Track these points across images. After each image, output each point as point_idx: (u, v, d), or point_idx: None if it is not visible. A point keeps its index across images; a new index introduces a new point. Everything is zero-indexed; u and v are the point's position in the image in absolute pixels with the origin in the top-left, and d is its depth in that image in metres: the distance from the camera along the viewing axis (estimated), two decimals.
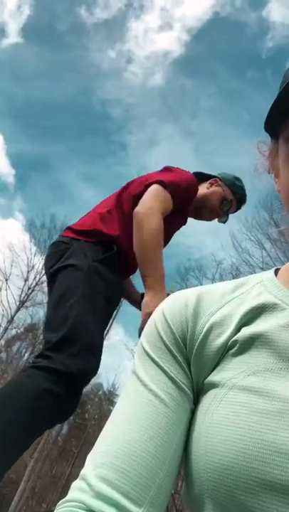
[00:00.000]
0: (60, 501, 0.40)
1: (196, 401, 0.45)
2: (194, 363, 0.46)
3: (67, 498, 0.39)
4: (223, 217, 1.85)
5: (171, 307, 0.50)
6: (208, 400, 0.42)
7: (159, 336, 0.48)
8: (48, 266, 1.61)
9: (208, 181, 1.82)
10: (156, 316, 0.51)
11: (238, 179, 1.86)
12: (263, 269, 10.92)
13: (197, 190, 1.71)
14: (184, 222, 1.80)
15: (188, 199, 1.66)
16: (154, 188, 1.53)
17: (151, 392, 0.44)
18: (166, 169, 1.70)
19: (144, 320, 1.42)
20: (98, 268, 1.51)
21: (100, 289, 1.48)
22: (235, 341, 0.44)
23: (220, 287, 0.52)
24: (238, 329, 0.45)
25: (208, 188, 1.80)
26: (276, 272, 0.53)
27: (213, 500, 0.37)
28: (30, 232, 20.41)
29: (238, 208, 1.89)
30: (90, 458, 0.42)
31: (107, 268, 1.53)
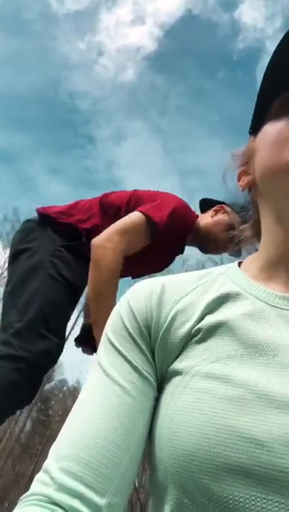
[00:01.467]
0: (23, 495, 0.39)
1: (159, 389, 0.45)
2: (158, 352, 0.46)
3: (30, 491, 0.39)
4: (235, 251, 1.43)
5: (136, 296, 0.50)
6: (171, 388, 0.43)
7: (124, 325, 0.48)
8: (13, 242, 1.58)
9: (213, 209, 1.60)
10: (121, 304, 0.51)
11: (242, 206, 1.52)
12: None
13: (189, 219, 1.51)
14: (179, 252, 1.58)
15: (178, 233, 1.46)
16: (134, 218, 1.36)
17: (114, 381, 0.44)
18: (160, 198, 1.46)
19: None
20: (63, 253, 1.48)
21: (64, 274, 1.45)
22: (199, 329, 0.45)
23: (184, 277, 0.52)
24: (201, 317, 0.46)
25: (212, 217, 1.57)
26: (239, 264, 0.55)
27: (176, 485, 0.38)
28: None
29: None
30: (53, 450, 0.42)
31: (72, 255, 1.50)
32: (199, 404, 0.39)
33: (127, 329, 0.48)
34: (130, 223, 1.34)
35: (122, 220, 1.36)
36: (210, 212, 1.60)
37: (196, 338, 0.45)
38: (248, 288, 0.48)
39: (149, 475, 0.43)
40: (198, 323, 0.45)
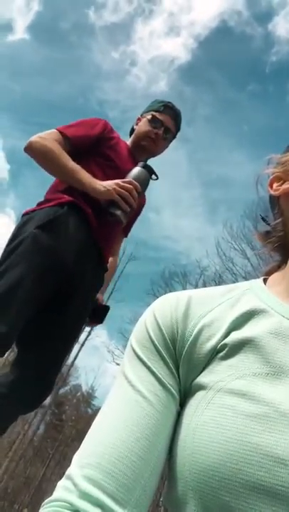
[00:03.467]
0: (46, 500, 0.40)
1: (182, 403, 0.45)
2: (183, 365, 0.46)
3: (52, 497, 0.40)
4: (165, 138, 1.80)
5: (162, 308, 0.50)
6: (195, 402, 0.43)
7: (149, 337, 0.48)
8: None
9: (133, 125, 1.87)
10: (146, 316, 0.51)
11: (154, 101, 1.87)
12: (245, 278, 11.01)
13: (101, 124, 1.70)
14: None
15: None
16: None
17: (138, 393, 0.44)
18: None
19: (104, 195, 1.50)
20: (36, 235, 1.41)
21: (31, 258, 1.38)
22: (225, 345, 0.45)
23: (209, 291, 0.53)
24: (227, 333, 0.46)
25: (135, 129, 1.85)
26: (265, 281, 0.55)
27: (196, 500, 0.37)
28: None
29: (173, 116, 1.83)
30: (77, 457, 0.42)
31: (48, 234, 1.43)
32: (223, 420, 0.39)
33: (152, 341, 0.48)
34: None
35: None
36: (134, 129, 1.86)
37: (222, 353, 0.45)
38: (274, 305, 0.48)
39: (167, 490, 0.43)
40: (224, 339, 0.45)
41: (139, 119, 1.86)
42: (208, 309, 0.49)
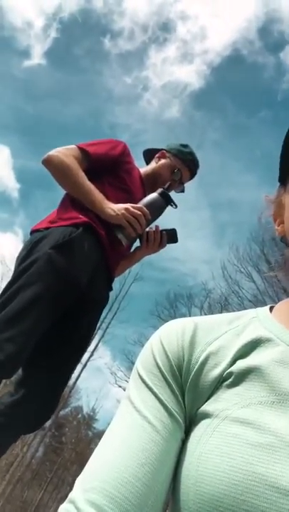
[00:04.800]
0: None
1: (187, 431, 0.45)
2: (188, 393, 0.46)
3: None
4: (178, 188, 1.83)
5: (168, 335, 0.50)
6: (200, 430, 0.43)
7: (155, 363, 0.48)
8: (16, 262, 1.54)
9: (156, 156, 1.84)
10: (153, 342, 0.51)
11: (184, 146, 1.84)
12: (251, 301, 10.95)
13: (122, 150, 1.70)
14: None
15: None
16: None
17: (144, 418, 0.44)
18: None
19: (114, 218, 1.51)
20: (51, 256, 1.40)
21: (46, 279, 1.38)
22: (230, 373, 0.45)
23: (216, 319, 0.53)
24: (233, 361, 0.46)
25: (156, 163, 1.82)
26: (271, 309, 0.55)
27: None
28: None
29: (193, 174, 1.87)
30: (80, 481, 0.42)
31: (63, 255, 1.42)
32: (228, 449, 0.38)
33: (158, 367, 0.48)
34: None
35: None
36: (154, 160, 1.84)
37: (227, 382, 0.44)
38: (280, 334, 0.48)
39: None
40: (229, 367, 0.45)
41: (163, 154, 1.82)
42: (214, 337, 0.49)
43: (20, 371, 1.44)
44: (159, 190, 1.66)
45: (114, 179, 1.65)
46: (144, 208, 1.56)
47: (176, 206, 1.69)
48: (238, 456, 0.37)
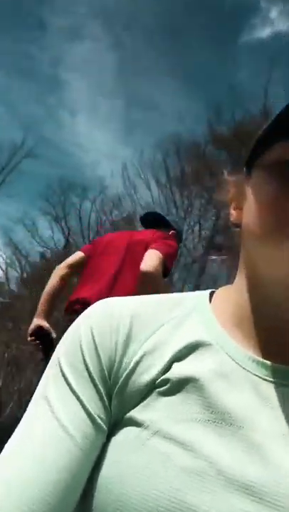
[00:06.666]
0: None
1: (109, 434, 0.42)
2: (117, 396, 0.42)
3: None
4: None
5: (101, 326, 0.45)
6: (126, 439, 0.40)
7: (83, 359, 0.43)
8: None
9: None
10: (82, 331, 0.45)
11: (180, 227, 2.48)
12: (143, 207, 11.20)
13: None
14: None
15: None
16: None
17: (62, 427, 0.40)
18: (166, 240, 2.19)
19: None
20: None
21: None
22: (166, 380, 0.41)
23: (156, 304, 0.48)
24: (169, 365, 0.43)
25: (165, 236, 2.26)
26: (211, 294, 0.51)
27: None
28: None
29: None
30: None
31: None
32: (157, 469, 0.36)
33: (86, 365, 0.43)
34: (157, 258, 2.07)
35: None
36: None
37: (161, 389, 0.41)
38: (220, 340, 0.45)
39: None
40: (165, 373, 0.42)
41: (173, 235, 2.29)
42: (152, 330, 0.45)
43: None
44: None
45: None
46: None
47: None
48: (167, 480, 0.35)
